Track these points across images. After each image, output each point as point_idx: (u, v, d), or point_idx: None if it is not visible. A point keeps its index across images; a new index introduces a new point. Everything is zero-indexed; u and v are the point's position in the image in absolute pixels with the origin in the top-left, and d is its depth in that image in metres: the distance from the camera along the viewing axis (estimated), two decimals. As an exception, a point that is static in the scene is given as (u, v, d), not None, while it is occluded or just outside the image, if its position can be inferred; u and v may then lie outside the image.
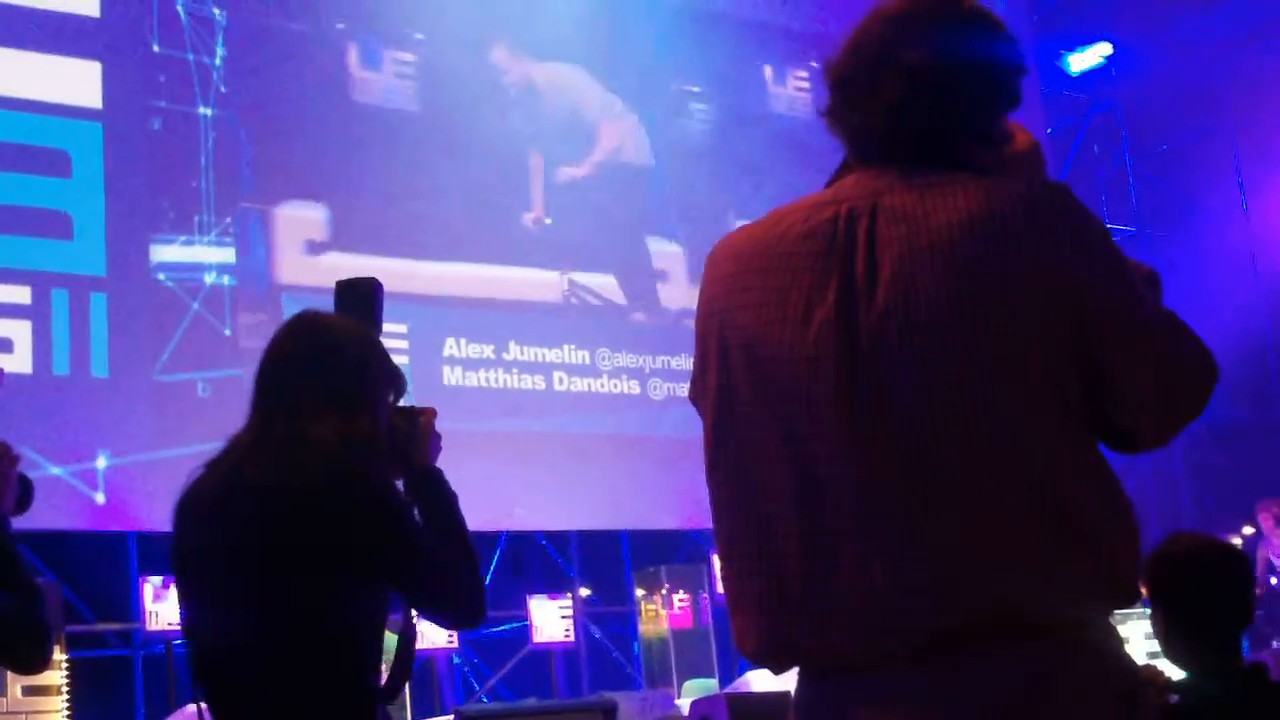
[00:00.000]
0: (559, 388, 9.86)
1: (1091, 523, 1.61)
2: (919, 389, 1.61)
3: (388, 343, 2.52)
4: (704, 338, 1.80)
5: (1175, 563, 2.80)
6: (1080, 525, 1.60)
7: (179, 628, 7.56)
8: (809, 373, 1.66)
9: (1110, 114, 13.54)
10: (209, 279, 8.70)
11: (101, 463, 8.11)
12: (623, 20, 10.53)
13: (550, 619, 9.03)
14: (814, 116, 1.85)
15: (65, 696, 6.81)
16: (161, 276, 8.56)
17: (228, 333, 8.68)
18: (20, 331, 8.00)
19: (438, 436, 2.56)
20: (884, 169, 1.74)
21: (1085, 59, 13.36)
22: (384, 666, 2.39)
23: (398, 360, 2.56)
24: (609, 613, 10.48)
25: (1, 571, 2.45)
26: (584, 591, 10.12)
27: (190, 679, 2.36)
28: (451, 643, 8.50)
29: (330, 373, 2.38)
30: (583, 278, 10.12)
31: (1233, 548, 3.12)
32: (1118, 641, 1.69)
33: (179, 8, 8.90)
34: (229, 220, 8.83)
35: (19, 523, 2.59)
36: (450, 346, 9.48)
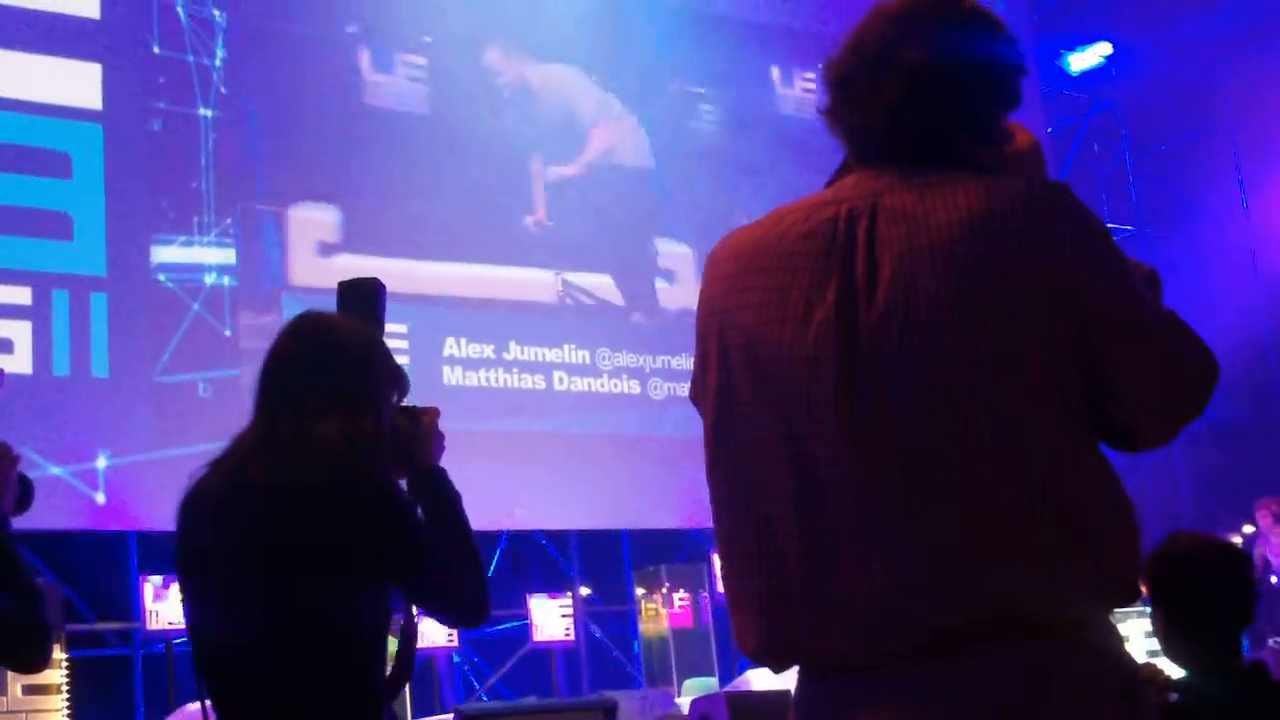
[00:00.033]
0: (559, 387, 9.86)
1: (1092, 522, 1.61)
2: (919, 388, 1.61)
3: (388, 342, 2.53)
4: (704, 337, 1.80)
5: (1175, 562, 2.81)
6: (1080, 524, 1.60)
7: (179, 627, 7.50)
8: (809, 372, 1.66)
9: (1110, 113, 13.54)
10: (209, 279, 8.71)
11: (102, 463, 8.11)
12: (626, 21, 10.53)
13: (550, 618, 9.04)
14: (820, 118, 1.85)
15: (65, 695, 6.82)
16: (162, 277, 8.57)
17: (228, 333, 8.69)
18: (21, 332, 8.01)
19: (441, 436, 2.57)
20: (884, 169, 1.74)
21: (1085, 58, 13.36)
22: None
23: (398, 360, 2.57)
24: (609, 612, 10.49)
25: (1, 571, 2.45)
26: (584, 590, 10.13)
27: (194, 678, 2.37)
28: (451, 641, 8.51)
29: (334, 372, 2.38)
30: (577, 278, 10.12)
31: (1233, 547, 3.13)
32: (1118, 640, 1.69)
33: (179, 9, 8.91)
34: (229, 221, 8.84)
35: (19, 522, 2.59)
36: (450, 346, 9.49)
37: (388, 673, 2.39)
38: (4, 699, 6.59)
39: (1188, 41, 12.21)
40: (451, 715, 6.17)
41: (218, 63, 8.97)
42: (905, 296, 1.63)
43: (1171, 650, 2.83)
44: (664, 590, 9.82)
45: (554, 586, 9.73)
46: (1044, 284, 1.62)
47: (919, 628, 1.59)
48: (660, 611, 9.81)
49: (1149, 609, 2.84)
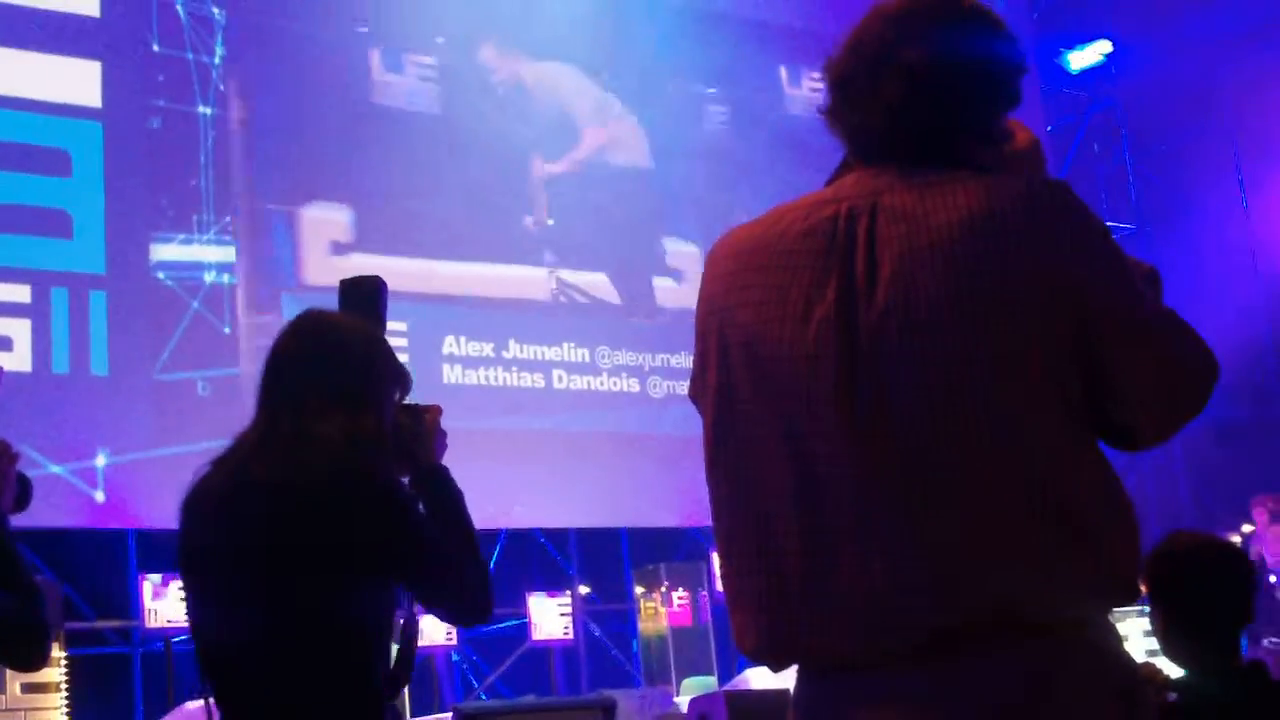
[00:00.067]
0: (558, 386, 9.86)
1: (1091, 521, 1.61)
2: (919, 388, 1.61)
3: (388, 341, 2.53)
4: (704, 336, 1.80)
5: (1175, 561, 2.81)
6: (1080, 524, 1.60)
7: (178, 625, 7.48)
8: (809, 371, 1.66)
9: (1110, 112, 13.53)
10: (209, 277, 8.71)
11: (101, 461, 8.11)
12: (627, 21, 10.52)
13: (549, 616, 9.04)
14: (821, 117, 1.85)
15: (64, 694, 6.82)
16: (161, 275, 8.57)
17: (227, 331, 8.69)
18: (20, 330, 8.01)
19: (443, 434, 2.57)
20: (884, 168, 1.74)
21: (1085, 57, 13.35)
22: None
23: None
24: (608, 610, 10.48)
25: (1, 569, 2.45)
26: (583, 589, 10.13)
27: (193, 676, 2.37)
28: (450, 640, 8.51)
29: (336, 371, 2.38)
30: (577, 276, 10.12)
31: (1232, 546, 3.13)
32: (1117, 640, 1.69)
33: (178, 7, 8.91)
34: (229, 219, 8.84)
35: (18, 521, 2.59)
36: (450, 344, 9.48)
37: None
38: (3, 697, 6.59)
39: (1188, 40, 12.20)
40: (450, 714, 6.17)
41: (217, 60, 8.97)
42: (905, 296, 1.63)
43: (1171, 650, 2.83)
44: (663, 589, 9.82)
45: (553, 585, 9.73)
46: (1044, 283, 1.62)
47: (919, 627, 1.59)
48: (659, 610, 9.81)
49: (1148, 608, 2.84)
